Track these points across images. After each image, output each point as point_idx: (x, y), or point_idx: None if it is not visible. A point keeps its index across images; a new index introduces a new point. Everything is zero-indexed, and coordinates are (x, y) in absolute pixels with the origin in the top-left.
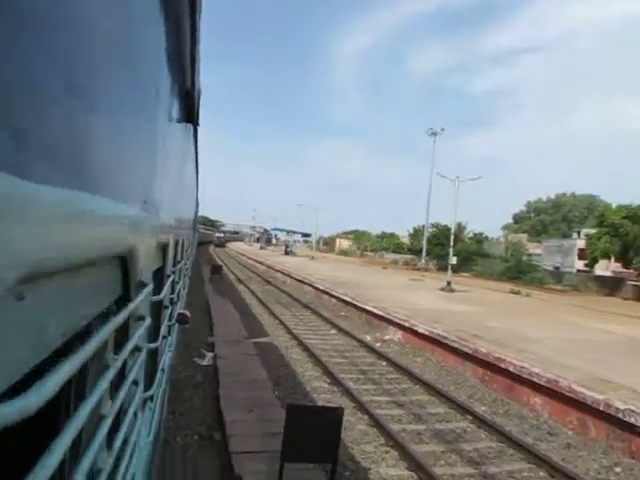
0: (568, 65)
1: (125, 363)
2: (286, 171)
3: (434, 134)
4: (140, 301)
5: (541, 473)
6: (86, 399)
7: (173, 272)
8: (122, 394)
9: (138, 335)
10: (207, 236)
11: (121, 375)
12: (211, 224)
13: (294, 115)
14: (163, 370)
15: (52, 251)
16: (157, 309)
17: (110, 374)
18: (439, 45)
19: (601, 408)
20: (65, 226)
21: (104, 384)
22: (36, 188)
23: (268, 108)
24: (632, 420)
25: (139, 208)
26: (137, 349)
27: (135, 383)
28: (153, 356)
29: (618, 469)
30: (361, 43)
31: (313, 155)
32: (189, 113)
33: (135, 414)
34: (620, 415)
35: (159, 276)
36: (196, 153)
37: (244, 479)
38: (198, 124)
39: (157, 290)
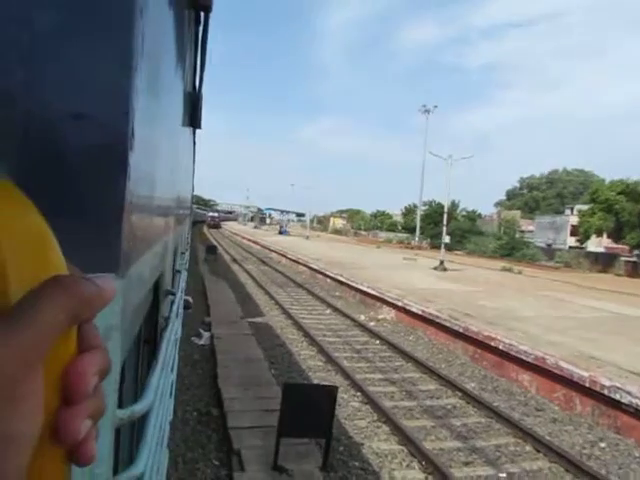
0: (557, 40)
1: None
2: (279, 150)
3: (427, 111)
4: (173, 309)
5: (527, 447)
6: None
7: (181, 266)
8: (166, 384)
9: (173, 334)
10: (201, 215)
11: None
12: (204, 203)
13: (286, 94)
14: (178, 355)
15: None
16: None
17: (165, 374)
18: (431, 18)
19: (587, 384)
20: None
21: (161, 384)
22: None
23: (259, 88)
24: (617, 396)
25: (168, 224)
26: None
27: (171, 370)
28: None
29: (603, 444)
30: (349, 16)
31: (306, 134)
32: (193, 118)
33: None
34: (605, 391)
35: (172, 273)
36: (194, 149)
37: (242, 453)
38: (200, 127)
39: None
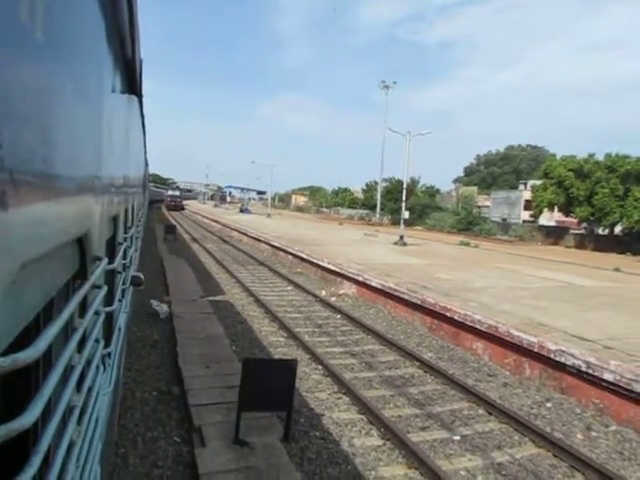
0: (513, 17)
1: (87, 325)
2: (239, 128)
3: (386, 87)
4: (96, 274)
5: (480, 411)
6: (61, 355)
7: (125, 239)
8: (86, 351)
9: (96, 302)
10: (159, 194)
11: (84, 335)
12: (162, 182)
13: (244, 70)
14: (120, 329)
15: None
16: (111, 276)
17: (78, 335)
18: None
19: (535, 350)
20: (30, 211)
21: (73, 343)
22: None
23: (217, 62)
24: (562, 359)
25: (90, 186)
26: (96, 313)
27: (97, 341)
28: (109, 318)
29: (549, 404)
30: None
31: (266, 111)
32: (131, 84)
33: (97, 367)
34: (552, 355)
35: (112, 245)
36: (142, 120)
37: (203, 429)
38: (141, 95)
39: (110, 258)
